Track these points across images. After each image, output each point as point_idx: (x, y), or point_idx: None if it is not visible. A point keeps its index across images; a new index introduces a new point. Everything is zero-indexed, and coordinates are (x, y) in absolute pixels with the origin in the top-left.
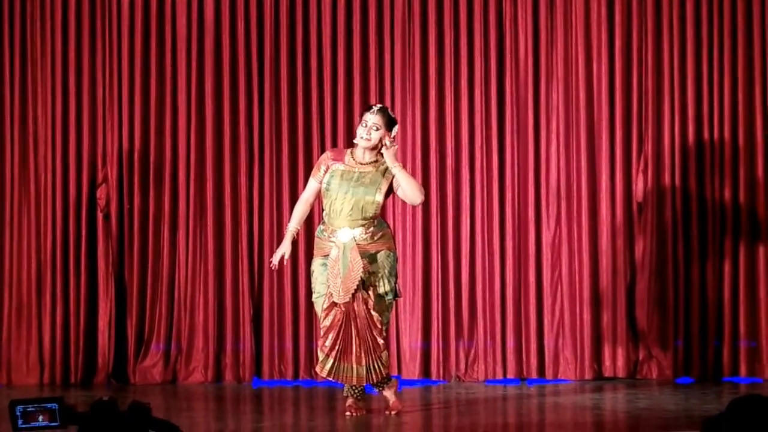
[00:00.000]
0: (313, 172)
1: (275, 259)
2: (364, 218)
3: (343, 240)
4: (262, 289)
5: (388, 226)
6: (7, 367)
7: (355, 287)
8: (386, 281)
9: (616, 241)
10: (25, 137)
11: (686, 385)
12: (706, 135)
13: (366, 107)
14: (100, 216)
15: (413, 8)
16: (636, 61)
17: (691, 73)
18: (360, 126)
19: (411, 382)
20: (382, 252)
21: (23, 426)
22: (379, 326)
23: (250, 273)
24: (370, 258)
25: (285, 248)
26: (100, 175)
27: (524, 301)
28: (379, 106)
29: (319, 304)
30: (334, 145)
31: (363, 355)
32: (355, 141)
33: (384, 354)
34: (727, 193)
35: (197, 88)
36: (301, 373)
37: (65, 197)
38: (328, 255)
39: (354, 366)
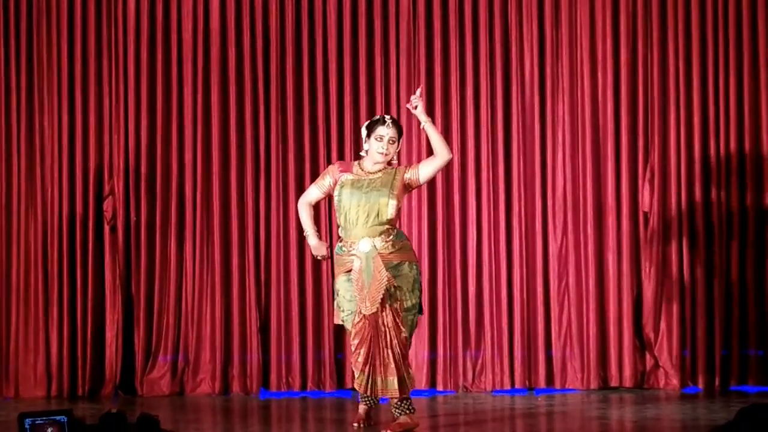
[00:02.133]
0: (316, 181)
1: (321, 254)
2: (381, 223)
3: (364, 250)
4: (269, 300)
5: (407, 238)
6: (14, 380)
7: (381, 297)
8: (411, 295)
9: (622, 251)
10: (31, 149)
11: (694, 394)
12: (712, 144)
13: (375, 120)
14: (107, 228)
15: (418, 21)
16: (641, 72)
17: (697, 83)
18: (373, 140)
19: (418, 393)
20: (406, 264)
21: None
22: (405, 341)
23: (257, 284)
24: (394, 270)
25: (322, 246)
26: (106, 188)
27: (532, 311)
28: (390, 117)
29: (349, 321)
30: (341, 155)
31: (395, 366)
32: (362, 154)
33: (411, 368)
34: (733, 202)
35: (203, 100)
36: (309, 384)
37: (72, 209)
38: (350, 270)
39: (388, 378)
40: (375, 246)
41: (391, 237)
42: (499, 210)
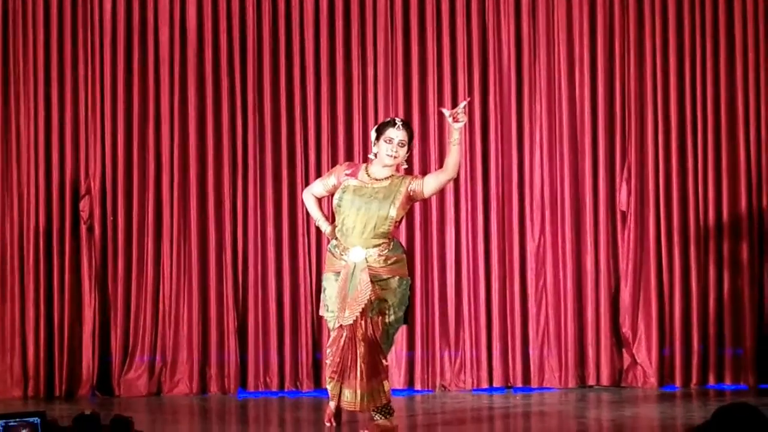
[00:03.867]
0: (322, 177)
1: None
2: (377, 236)
3: (354, 260)
4: (247, 300)
5: (405, 252)
6: None
7: (360, 310)
8: (395, 310)
9: (599, 249)
10: (7, 149)
11: (671, 392)
12: (689, 143)
13: (385, 122)
14: (83, 228)
15: (396, 19)
16: (618, 70)
17: (674, 81)
18: (382, 142)
19: (396, 392)
20: (395, 279)
21: None
22: (384, 351)
23: (234, 284)
24: (382, 284)
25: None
26: (83, 187)
27: (510, 310)
28: (401, 120)
29: (331, 323)
30: (318, 156)
31: (366, 379)
32: (371, 156)
33: (386, 382)
34: (710, 200)
35: (180, 100)
36: (287, 384)
37: (48, 209)
38: (339, 272)
39: (357, 391)
40: (366, 258)
41: (386, 251)
42: (476, 209)
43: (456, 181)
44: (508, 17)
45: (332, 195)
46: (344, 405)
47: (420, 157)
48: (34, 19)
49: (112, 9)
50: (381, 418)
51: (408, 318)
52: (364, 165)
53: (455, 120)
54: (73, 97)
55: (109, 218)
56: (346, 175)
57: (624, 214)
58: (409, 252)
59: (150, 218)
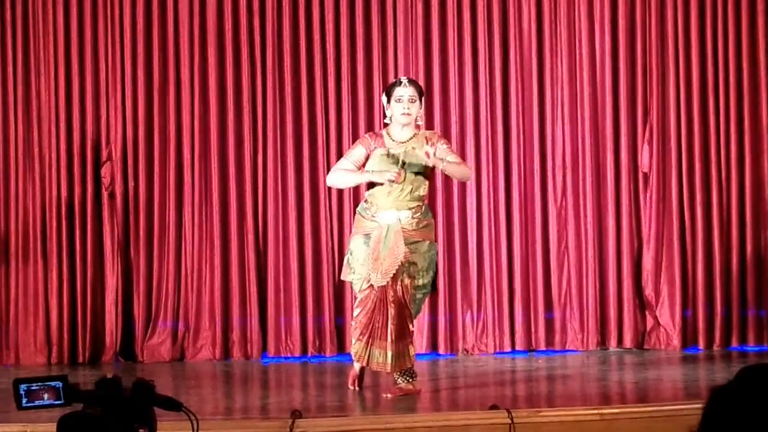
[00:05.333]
0: (346, 154)
1: (389, 177)
2: (413, 199)
3: (387, 221)
4: (268, 265)
5: (433, 217)
6: (15, 347)
7: (395, 271)
8: (423, 274)
9: (621, 211)
10: (28, 115)
11: (694, 354)
12: (711, 103)
13: (392, 84)
14: (105, 194)
15: None
16: (640, 31)
17: (695, 42)
18: (393, 103)
19: (419, 356)
20: (426, 243)
21: (27, 405)
22: (412, 315)
23: (255, 250)
24: (412, 248)
25: (382, 173)
26: (104, 154)
27: (532, 274)
28: (407, 78)
29: (357, 285)
30: (338, 115)
31: (395, 341)
32: (386, 121)
33: (411, 347)
34: (733, 160)
35: (200, 65)
36: (309, 348)
37: (70, 175)
38: (369, 234)
39: (386, 352)
40: (400, 219)
41: (419, 214)
42: (497, 172)
43: (477, 144)
44: None
45: (363, 166)
46: (373, 365)
47: (443, 129)
48: None
49: None
50: (404, 382)
51: (435, 286)
52: (384, 131)
53: (428, 159)
54: (93, 62)
55: (131, 184)
56: (375, 144)
57: (646, 176)
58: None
59: (171, 184)
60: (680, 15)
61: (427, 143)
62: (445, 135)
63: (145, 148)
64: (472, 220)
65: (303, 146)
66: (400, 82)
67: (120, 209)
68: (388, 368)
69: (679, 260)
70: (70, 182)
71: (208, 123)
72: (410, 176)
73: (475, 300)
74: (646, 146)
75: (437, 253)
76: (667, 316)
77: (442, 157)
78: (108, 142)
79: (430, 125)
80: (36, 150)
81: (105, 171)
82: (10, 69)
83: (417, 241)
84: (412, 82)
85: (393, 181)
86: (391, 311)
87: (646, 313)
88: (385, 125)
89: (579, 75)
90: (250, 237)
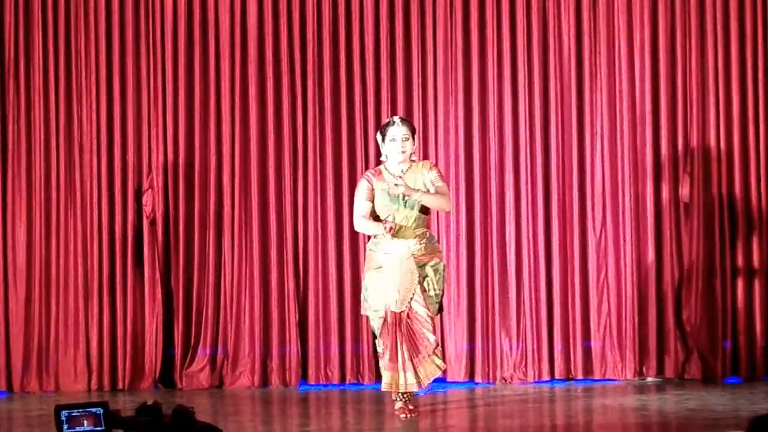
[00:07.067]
0: (357, 194)
1: (383, 230)
2: (417, 227)
3: (398, 254)
4: (307, 293)
5: (437, 241)
6: (55, 374)
7: (411, 296)
8: (434, 284)
9: (662, 242)
10: (70, 144)
11: (734, 385)
12: (751, 134)
13: (385, 124)
14: (146, 222)
15: (455, 11)
16: (680, 60)
17: (736, 72)
18: (388, 143)
19: (456, 384)
20: (435, 260)
21: (68, 431)
22: (430, 322)
23: (295, 277)
24: (422, 268)
25: (380, 226)
26: (145, 182)
27: (571, 302)
28: (399, 117)
29: (376, 321)
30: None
31: (410, 359)
32: (382, 159)
33: (438, 349)
34: None
35: (241, 94)
36: (348, 376)
37: (111, 203)
38: (381, 267)
39: (402, 374)
40: (409, 248)
41: (424, 240)
42: (537, 201)
43: (516, 173)
44: (568, 7)
45: (373, 201)
46: (409, 388)
47: (479, 149)
48: (96, 11)
49: (173, 3)
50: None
51: (441, 305)
52: (382, 166)
53: (398, 193)
54: (135, 90)
55: (171, 211)
56: (376, 180)
57: (687, 207)
58: (470, 245)
59: (211, 212)
60: (720, 42)
61: (429, 173)
62: (483, 165)
63: (185, 176)
64: (511, 249)
65: (342, 174)
66: (393, 122)
67: (161, 237)
68: (411, 388)
69: (719, 290)
70: (111, 210)
71: (248, 151)
72: (413, 213)
73: (513, 328)
74: (686, 177)
75: (445, 268)
76: (706, 346)
77: (433, 181)
78: (149, 171)
79: (469, 156)
80: (77, 177)
81: (146, 199)
82: (52, 97)
83: (427, 262)
84: (405, 122)
85: (389, 230)
86: (404, 330)
87: (686, 342)
88: (380, 162)
89: (618, 104)
90: (290, 264)
